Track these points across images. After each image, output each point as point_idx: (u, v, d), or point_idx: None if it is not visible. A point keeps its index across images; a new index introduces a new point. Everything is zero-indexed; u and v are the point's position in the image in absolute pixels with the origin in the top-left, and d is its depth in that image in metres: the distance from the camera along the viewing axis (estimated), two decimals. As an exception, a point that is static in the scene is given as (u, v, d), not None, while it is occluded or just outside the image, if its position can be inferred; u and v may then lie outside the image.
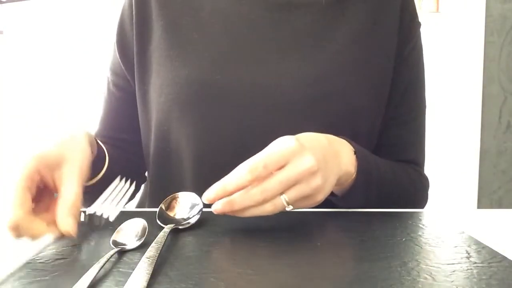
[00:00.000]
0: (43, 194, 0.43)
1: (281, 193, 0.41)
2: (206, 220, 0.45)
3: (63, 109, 2.33)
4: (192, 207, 0.46)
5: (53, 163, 0.43)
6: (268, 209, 0.41)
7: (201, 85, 0.58)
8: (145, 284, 0.28)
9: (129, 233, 0.40)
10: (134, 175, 0.68)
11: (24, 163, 0.41)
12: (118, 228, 0.40)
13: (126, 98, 0.66)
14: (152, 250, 0.34)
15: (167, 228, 0.41)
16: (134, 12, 0.63)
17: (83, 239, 0.40)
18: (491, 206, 2.05)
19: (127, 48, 0.64)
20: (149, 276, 0.30)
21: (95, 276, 0.30)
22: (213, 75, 0.58)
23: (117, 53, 0.66)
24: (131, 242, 0.38)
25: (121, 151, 0.67)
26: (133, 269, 0.31)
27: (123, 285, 0.28)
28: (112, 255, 0.35)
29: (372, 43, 0.61)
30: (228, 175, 0.42)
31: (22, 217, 0.37)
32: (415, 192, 0.64)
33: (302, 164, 0.41)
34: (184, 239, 0.40)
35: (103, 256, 0.34)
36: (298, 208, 0.43)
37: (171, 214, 0.46)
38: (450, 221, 0.46)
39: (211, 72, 0.58)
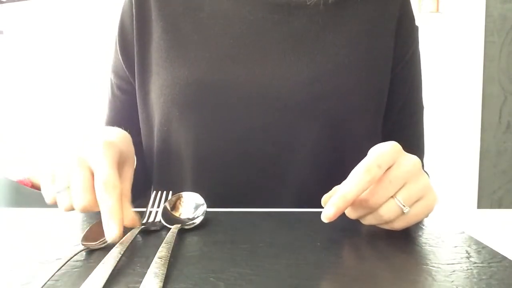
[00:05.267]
0: None
1: (392, 197, 0.39)
2: (206, 220, 0.45)
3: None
4: (196, 207, 0.46)
5: (119, 160, 0.42)
6: (383, 213, 0.39)
7: (200, 86, 0.58)
8: (160, 284, 0.29)
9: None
10: (141, 177, 0.69)
11: (99, 147, 0.40)
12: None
13: (130, 100, 0.66)
14: (163, 250, 0.34)
15: (174, 228, 0.41)
16: (134, 13, 0.63)
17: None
18: (491, 206, 2.05)
19: (128, 49, 0.64)
20: (164, 276, 0.30)
21: (54, 273, 0.30)
22: (212, 76, 0.58)
23: (119, 54, 0.65)
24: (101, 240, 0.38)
25: None
26: (147, 269, 0.31)
27: (136, 284, 0.28)
28: (77, 253, 0.34)
29: (370, 45, 0.61)
30: (342, 184, 0.39)
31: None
32: None
33: (408, 162, 0.40)
34: (184, 239, 0.40)
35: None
36: (416, 216, 0.40)
37: (175, 214, 0.46)
38: (450, 221, 0.46)
39: (210, 73, 0.58)
